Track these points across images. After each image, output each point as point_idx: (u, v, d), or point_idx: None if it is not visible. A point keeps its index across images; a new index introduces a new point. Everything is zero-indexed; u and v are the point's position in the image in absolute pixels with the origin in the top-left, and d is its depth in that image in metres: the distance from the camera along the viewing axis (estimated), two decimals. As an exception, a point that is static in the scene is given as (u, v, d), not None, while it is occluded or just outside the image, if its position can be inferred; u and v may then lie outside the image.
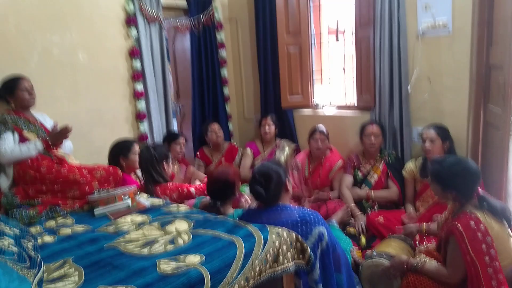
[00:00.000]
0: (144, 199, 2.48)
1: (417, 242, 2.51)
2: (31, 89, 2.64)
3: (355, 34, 3.61)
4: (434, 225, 2.35)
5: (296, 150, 3.96)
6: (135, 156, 2.90)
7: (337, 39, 3.97)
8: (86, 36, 3.20)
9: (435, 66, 3.08)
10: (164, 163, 2.86)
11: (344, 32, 3.91)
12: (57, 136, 2.60)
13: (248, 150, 3.95)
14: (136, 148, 2.99)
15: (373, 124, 3.26)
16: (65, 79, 3.10)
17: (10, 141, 2.47)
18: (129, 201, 2.34)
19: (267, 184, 2.03)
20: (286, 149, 3.91)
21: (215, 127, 3.88)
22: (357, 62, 3.63)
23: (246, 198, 2.62)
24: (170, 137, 3.60)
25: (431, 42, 3.06)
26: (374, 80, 3.37)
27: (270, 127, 3.86)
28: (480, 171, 1.97)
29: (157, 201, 2.47)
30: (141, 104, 3.56)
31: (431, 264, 2.03)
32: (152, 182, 2.78)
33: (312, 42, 4.01)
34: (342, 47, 3.97)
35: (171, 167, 2.96)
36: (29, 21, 2.87)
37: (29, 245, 1.69)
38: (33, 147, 2.50)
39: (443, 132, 2.89)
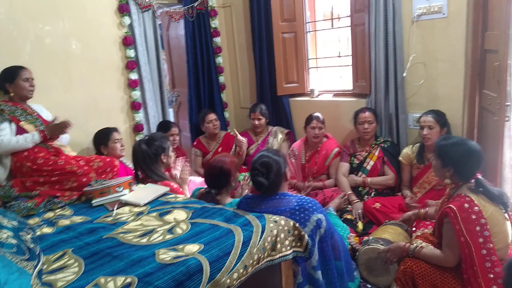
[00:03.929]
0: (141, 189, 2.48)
1: (413, 228, 2.54)
2: (31, 80, 2.64)
3: (351, 19, 3.59)
4: (431, 210, 2.37)
5: (288, 135, 3.98)
6: (115, 145, 3.00)
7: (332, 26, 3.94)
8: (78, 25, 3.16)
9: (430, 51, 3.07)
10: (161, 156, 2.70)
11: (339, 18, 3.88)
12: (56, 129, 2.60)
13: None
14: (116, 135, 3.04)
15: (366, 110, 3.27)
16: (59, 69, 3.07)
17: (7, 131, 2.46)
18: (124, 192, 2.34)
19: (268, 174, 2.03)
20: (279, 135, 3.92)
21: (212, 117, 3.86)
22: (352, 48, 3.61)
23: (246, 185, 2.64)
24: (162, 128, 3.58)
25: (426, 27, 3.04)
26: (369, 66, 3.36)
27: (260, 121, 3.87)
28: (482, 157, 1.97)
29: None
30: (136, 94, 3.54)
31: (428, 248, 2.06)
32: (148, 178, 2.67)
33: (307, 29, 3.98)
34: (338, 34, 3.94)
35: (173, 157, 2.83)
36: (21, 10, 2.83)
37: (28, 237, 1.69)
38: (31, 138, 2.50)
39: (441, 118, 2.89)
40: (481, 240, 1.81)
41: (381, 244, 2.30)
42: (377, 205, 2.98)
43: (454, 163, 1.97)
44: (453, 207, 1.87)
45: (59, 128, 2.62)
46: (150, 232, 1.83)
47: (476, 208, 1.85)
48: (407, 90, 3.22)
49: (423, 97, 3.17)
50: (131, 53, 3.45)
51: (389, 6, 3.08)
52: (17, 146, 2.46)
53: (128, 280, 1.42)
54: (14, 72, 2.58)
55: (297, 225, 1.88)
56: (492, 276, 1.79)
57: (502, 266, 1.81)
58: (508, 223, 1.94)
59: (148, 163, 2.65)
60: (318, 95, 3.98)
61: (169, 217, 1.98)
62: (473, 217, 1.83)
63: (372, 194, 3.19)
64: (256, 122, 3.87)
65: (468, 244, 1.82)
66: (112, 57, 3.41)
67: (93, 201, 2.31)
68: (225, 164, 2.32)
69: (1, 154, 2.49)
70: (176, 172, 2.90)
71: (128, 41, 3.42)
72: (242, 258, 1.62)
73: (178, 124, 4.09)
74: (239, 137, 3.41)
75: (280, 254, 1.80)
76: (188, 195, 2.66)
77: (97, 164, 2.60)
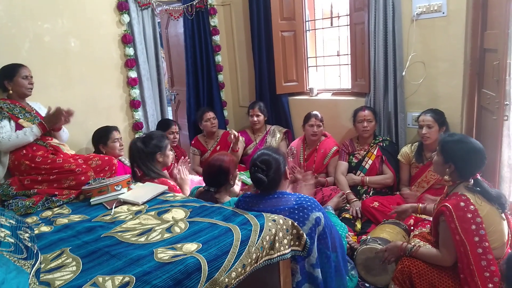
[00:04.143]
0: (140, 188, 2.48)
1: (411, 227, 2.54)
2: (30, 78, 2.63)
3: (350, 18, 3.58)
4: (430, 206, 2.37)
5: (287, 134, 3.99)
6: (114, 144, 2.99)
7: (331, 24, 3.94)
8: (78, 23, 3.15)
9: (429, 50, 3.07)
10: (157, 155, 2.67)
11: (338, 16, 3.87)
12: (53, 118, 2.58)
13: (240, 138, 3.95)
14: (115, 135, 3.03)
15: (365, 109, 3.27)
16: (58, 67, 3.06)
17: (7, 129, 2.46)
18: (122, 191, 2.34)
19: (267, 171, 2.04)
20: (277, 134, 3.93)
21: (210, 115, 3.86)
22: (351, 46, 3.61)
23: (236, 182, 2.63)
24: (162, 126, 3.57)
25: (425, 25, 3.04)
26: (369, 65, 3.35)
27: (258, 118, 3.88)
28: (485, 157, 1.95)
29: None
30: (135, 92, 3.53)
31: (425, 248, 2.06)
32: (145, 176, 2.65)
33: (307, 27, 3.97)
34: (337, 32, 3.94)
35: (171, 155, 2.80)
36: (20, 8, 2.82)
37: (26, 236, 1.69)
38: (30, 132, 2.50)
39: (440, 117, 2.89)
40: (476, 239, 1.82)
41: (379, 244, 2.30)
42: (376, 204, 2.98)
43: (456, 160, 1.97)
44: (448, 205, 1.88)
45: (55, 116, 2.58)
46: (148, 231, 1.83)
47: (472, 207, 1.85)
48: (406, 89, 3.22)
49: (422, 96, 3.17)
50: (130, 51, 3.45)
51: (388, 4, 3.08)
52: (18, 141, 2.46)
53: (126, 279, 1.42)
54: (13, 70, 2.58)
55: (295, 224, 1.88)
56: (488, 274, 1.79)
57: (498, 265, 1.81)
58: (505, 222, 1.95)
59: (144, 160, 2.64)
60: (317, 93, 3.98)
61: (167, 216, 1.98)
62: (469, 215, 1.83)
63: (371, 193, 3.19)
64: (255, 119, 3.88)
65: (463, 243, 1.82)
66: (111, 55, 3.41)
67: (91, 200, 2.30)
68: (224, 163, 2.32)
69: (3, 151, 2.49)
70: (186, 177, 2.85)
71: (127, 39, 3.41)
72: (241, 257, 1.62)
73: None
74: (233, 133, 3.39)
75: (279, 253, 1.80)
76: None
77: (96, 163, 2.60)
